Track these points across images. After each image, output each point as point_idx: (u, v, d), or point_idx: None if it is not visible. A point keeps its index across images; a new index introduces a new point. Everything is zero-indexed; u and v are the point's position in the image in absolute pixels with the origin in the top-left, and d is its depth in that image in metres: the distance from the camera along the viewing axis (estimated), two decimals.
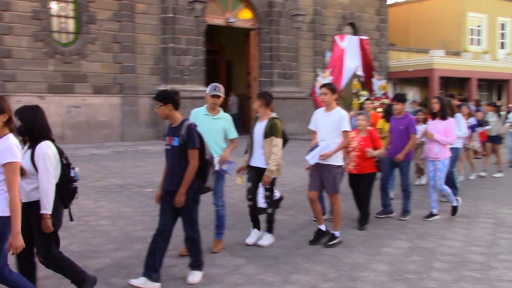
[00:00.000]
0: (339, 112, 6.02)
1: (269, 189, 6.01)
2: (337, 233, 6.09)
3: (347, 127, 5.96)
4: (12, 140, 3.60)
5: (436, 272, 5.14)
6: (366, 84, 22.72)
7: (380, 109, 18.03)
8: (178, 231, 5.06)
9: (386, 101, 21.46)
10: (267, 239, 6.08)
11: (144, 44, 17.77)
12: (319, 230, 6.15)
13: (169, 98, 4.68)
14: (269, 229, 6.15)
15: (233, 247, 5.95)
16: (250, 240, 6.07)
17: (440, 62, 23.29)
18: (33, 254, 4.18)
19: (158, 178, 10.00)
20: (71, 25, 16.73)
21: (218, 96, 5.84)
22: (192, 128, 4.68)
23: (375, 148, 6.89)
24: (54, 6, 16.33)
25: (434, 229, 6.84)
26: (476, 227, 6.97)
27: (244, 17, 20.53)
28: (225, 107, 15.25)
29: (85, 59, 16.66)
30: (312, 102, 21.34)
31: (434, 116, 7.42)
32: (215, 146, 5.70)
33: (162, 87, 17.82)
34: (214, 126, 5.79)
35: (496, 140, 11.77)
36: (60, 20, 16.54)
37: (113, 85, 17.11)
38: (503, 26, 28.92)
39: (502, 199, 8.88)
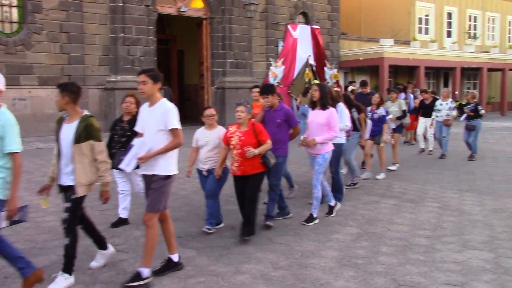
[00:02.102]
0: (163, 106, 4.57)
1: (71, 209, 4.44)
2: (145, 272, 4.47)
3: (175, 124, 4.54)
4: None
5: (384, 256, 5.28)
6: (318, 73, 23.03)
7: None
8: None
9: (338, 90, 21.87)
10: (60, 283, 4.40)
11: (93, 34, 17.33)
12: (170, 260, 4.87)
13: None
14: (66, 267, 4.47)
15: (185, 238, 5.92)
16: (94, 264, 4.95)
17: (390, 50, 23.76)
18: None
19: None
20: (15, 14, 16.11)
21: None
22: None
23: (260, 143, 5.84)
24: None
25: (382, 214, 7.03)
26: (422, 211, 7.20)
27: (196, 6, 20.33)
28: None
29: (31, 50, 16.11)
30: None
31: (314, 105, 6.80)
32: None
33: (112, 78, 17.47)
34: None
35: (396, 130, 10.88)
36: (3, 9, 15.90)
37: (60, 77, 16.59)
38: (450, 15, 29.76)
39: (447, 184, 9.21)
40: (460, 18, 30.02)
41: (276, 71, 21.82)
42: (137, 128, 4.79)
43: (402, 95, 15.61)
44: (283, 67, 22.01)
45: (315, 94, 6.68)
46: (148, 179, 4.66)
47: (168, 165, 4.62)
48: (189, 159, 6.38)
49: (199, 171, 6.31)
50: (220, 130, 6.22)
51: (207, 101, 20.76)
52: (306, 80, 22.16)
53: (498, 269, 4.92)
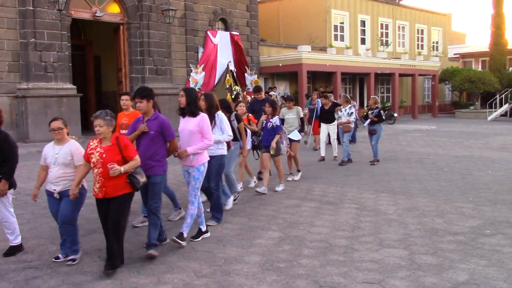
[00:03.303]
0: None
1: None
2: None
3: None
4: None
5: (305, 259, 5.38)
6: (239, 79, 23.24)
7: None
8: None
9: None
10: None
11: (1, 39, 16.39)
12: None
13: None
14: None
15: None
16: None
17: (308, 57, 24.38)
18: None
19: (23, 184, 9.29)
20: None
21: None
22: None
23: (126, 160, 5.07)
24: None
25: (304, 217, 7.17)
26: (341, 212, 7.42)
27: (112, 11, 19.81)
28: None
29: None
30: None
31: (182, 112, 6.09)
32: None
33: (24, 85, 16.64)
34: None
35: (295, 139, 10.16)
36: None
37: None
38: (363, 23, 31.03)
39: (364, 185, 9.56)
40: (373, 26, 31.42)
41: (197, 78, 21.79)
42: None
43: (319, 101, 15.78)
44: (203, 73, 22.02)
45: (182, 100, 5.98)
46: None
47: None
48: (37, 179, 5.53)
49: (49, 193, 5.40)
50: (71, 145, 5.36)
51: None
52: (227, 86, 22.31)
53: (412, 265, 5.16)
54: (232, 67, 22.94)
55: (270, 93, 21.92)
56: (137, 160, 5.13)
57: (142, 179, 5.16)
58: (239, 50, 23.35)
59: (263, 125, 9.09)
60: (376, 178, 10.30)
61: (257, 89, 11.07)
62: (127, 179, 5.05)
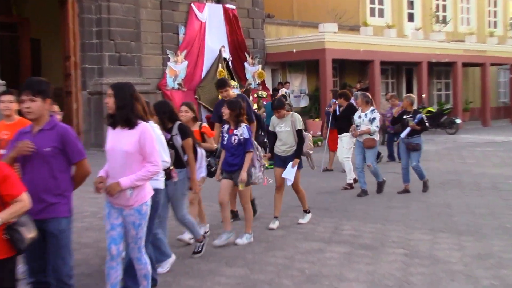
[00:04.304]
0: None
1: None
2: None
3: None
4: None
5: None
6: (236, 71, 23.26)
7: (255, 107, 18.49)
8: None
9: (264, 94, 22.18)
10: None
11: None
12: None
13: None
14: None
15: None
16: None
17: (333, 39, 24.36)
18: None
19: None
20: None
21: None
22: None
23: (5, 200, 4.32)
24: None
25: (329, 267, 7.12)
26: (383, 260, 7.38)
27: None
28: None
29: None
30: (161, 96, 21.28)
31: (112, 122, 5.55)
32: None
33: None
34: None
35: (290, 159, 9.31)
36: None
37: None
38: None
39: (414, 221, 9.51)
40: None
41: (177, 69, 21.83)
42: None
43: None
44: (186, 62, 22.06)
45: (109, 102, 5.48)
46: None
47: None
48: None
49: None
50: None
51: (77, 111, 20.23)
52: None
53: None
54: (226, 54, 23.00)
55: (280, 91, 21.95)
56: (23, 201, 4.35)
57: (30, 234, 4.42)
58: (236, 30, 23.43)
59: (225, 140, 8.30)
60: (431, 211, 10.26)
61: (220, 84, 10.08)
62: (4, 235, 4.28)
